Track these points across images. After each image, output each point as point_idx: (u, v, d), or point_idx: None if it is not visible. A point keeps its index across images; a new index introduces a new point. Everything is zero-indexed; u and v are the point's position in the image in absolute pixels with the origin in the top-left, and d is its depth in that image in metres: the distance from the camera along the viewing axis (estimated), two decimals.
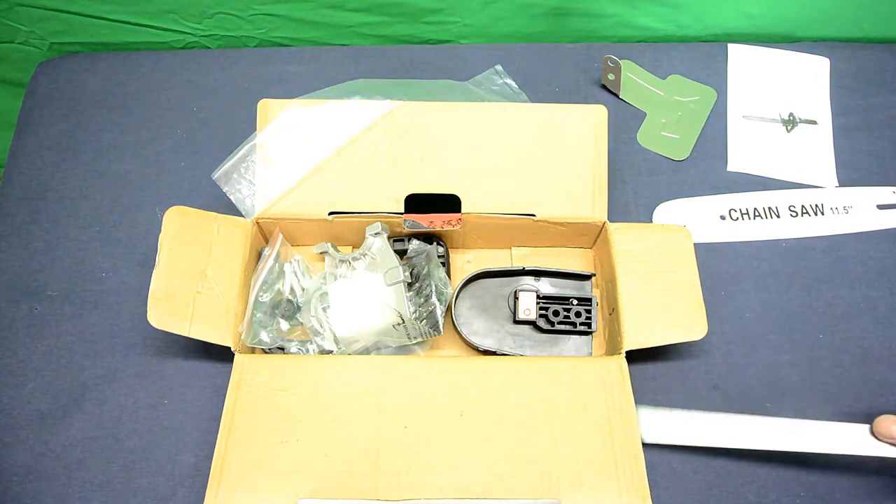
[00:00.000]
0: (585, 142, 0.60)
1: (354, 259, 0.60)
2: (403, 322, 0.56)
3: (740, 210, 0.69)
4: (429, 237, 0.62)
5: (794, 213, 0.68)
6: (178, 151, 0.72)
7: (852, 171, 0.71)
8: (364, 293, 0.58)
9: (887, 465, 0.57)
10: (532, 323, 0.61)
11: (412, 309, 0.58)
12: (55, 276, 0.65)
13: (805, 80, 0.76)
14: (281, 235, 0.61)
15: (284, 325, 0.60)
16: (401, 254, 0.63)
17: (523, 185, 0.60)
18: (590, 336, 0.61)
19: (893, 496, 0.56)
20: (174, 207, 0.57)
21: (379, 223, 0.59)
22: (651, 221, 0.68)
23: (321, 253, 0.63)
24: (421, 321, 0.57)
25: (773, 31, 0.79)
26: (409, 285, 0.59)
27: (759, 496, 0.56)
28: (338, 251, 0.62)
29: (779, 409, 0.59)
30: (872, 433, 0.53)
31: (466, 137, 0.60)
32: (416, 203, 0.59)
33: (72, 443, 0.58)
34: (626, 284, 0.57)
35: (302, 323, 0.60)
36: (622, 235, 0.59)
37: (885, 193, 0.70)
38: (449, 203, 0.59)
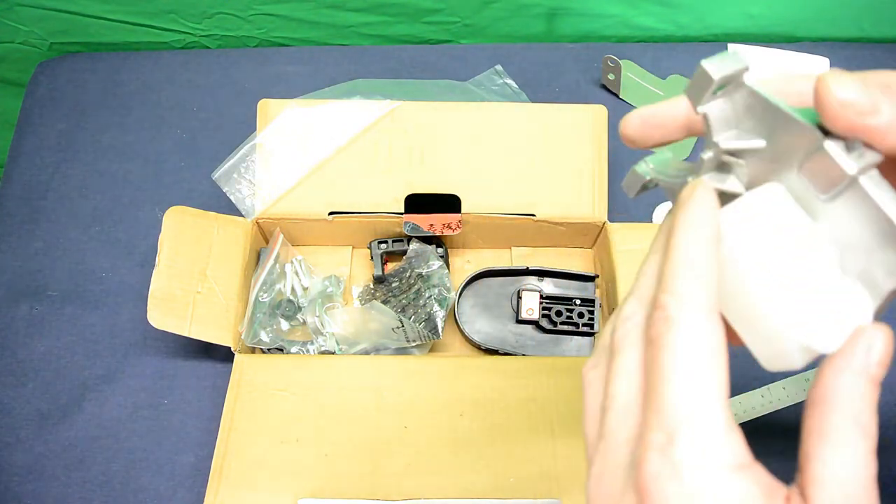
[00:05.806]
0: (585, 142, 0.60)
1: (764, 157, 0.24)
2: (402, 325, 0.56)
3: None
4: (428, 238, 0.62)
5: None
6: (178, 151, 0.72)
7: None
8: (807, 259, 0.23)
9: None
10: (534, 323, 0.61)
11: (411, 311, 0.58)
12: (55, 276, 0.65)
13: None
14: (281, 235, 0.61)
15: (284, 325, 0.60)
16: (400, 255, 0.63)
17: (523, 185, 0.60)
18: (592, 337, 0.61)
19: (893, 496, 0.56)
20: (174, 207, 0.57)
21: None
22: (651, 221, 0.68)
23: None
24: (419, 324, 0.56)
25: (773, 31, 0.79)
26: (411, 286, 0.59)
27: None
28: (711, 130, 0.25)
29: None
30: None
31: (466, 137, 0.60)
32: (416, 203, 0.59)
33: (72, 443, 0.58)
34: (626, 284, 0.57)
35: (303, 323, 0.60)
36: (622, 235, 0.59)
37: None
38: (449, 203, 0.59)
